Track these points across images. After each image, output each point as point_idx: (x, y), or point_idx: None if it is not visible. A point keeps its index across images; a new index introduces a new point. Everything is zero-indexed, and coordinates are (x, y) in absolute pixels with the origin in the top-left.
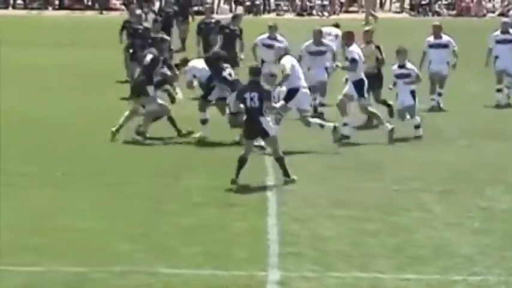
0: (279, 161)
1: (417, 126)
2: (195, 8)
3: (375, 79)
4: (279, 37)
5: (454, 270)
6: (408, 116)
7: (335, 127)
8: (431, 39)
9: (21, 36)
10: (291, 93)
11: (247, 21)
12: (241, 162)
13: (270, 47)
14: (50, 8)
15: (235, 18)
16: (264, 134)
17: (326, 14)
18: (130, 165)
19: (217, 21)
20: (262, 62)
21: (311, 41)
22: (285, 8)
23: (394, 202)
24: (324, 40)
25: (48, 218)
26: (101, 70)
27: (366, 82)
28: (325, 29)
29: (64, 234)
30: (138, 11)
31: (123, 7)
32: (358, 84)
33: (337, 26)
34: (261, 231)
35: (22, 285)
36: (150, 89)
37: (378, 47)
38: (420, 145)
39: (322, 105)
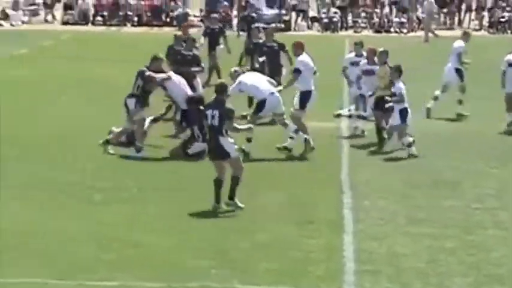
0: (233, 180)
1: (409, 145)
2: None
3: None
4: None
5: None
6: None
7: (306, 139)
8: (510, 57)
9: (99, 52)
10: (262, 103)
11: (325, 39)
12: (217, 184)
13: (357, 64)
14: (128, 25)
15: (267, 34)
16: (224, 155)
17: (404, 30)
18: (203, 181)
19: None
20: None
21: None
22: (362, 24)
23: (471, 220)
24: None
25: (123, 233)
26: None
27: (313, 96)
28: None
29: (139, 249)
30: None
31: (201, 23)
32: (303, 96)
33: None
34: (337, 249)
35: None
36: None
37: (391, 68)
38: (498, 162)
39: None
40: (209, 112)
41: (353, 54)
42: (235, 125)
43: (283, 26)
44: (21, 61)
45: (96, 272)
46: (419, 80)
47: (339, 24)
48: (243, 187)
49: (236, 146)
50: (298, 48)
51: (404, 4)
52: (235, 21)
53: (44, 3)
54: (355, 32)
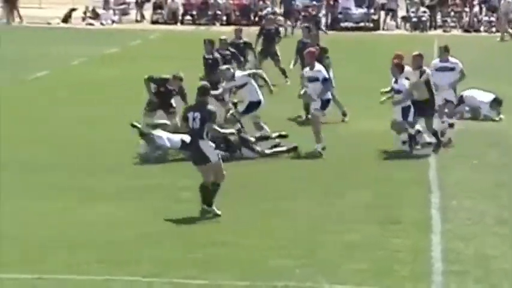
0: (213, 186)
1: (404, 142)
2: None
3: (426, 106)
4: (451, 59)
5: None
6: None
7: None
8: None
9: (188, 51)
10: (256, 105)
11: (413, 38)
12: (204, 190)
13: (443, 70)
14: (217, 24)
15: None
16: (204, 160)
17: (493, 30)
18: (287, 181)
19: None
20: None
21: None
22: (452, 24)
23: None
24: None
25: (210, 233)
26: None
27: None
28: None
29: (225, 249)
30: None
31: (286, 23)
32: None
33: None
34: (424, 249)
35: None
36: None
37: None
38: None
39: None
40: (190, 115)
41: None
42: (216, 127)
43: (371, 25)
44: (112, 60)
45: (186, 271)
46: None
47: (428, 24)
48: (330, 185)
49: (217, 151)
50: (311, 57)
51: (494, 3)
52: (323, 20)
53: (136, 2)
54: (444, 31)
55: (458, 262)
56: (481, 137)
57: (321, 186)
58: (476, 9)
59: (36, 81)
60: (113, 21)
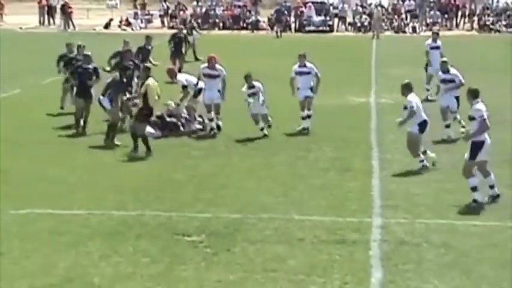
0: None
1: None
2: None
3: None
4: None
5: None
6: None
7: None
8: None
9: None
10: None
11: (357, 38)
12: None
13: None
14: (216, 29)
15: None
16: None
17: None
18: (274, 143)
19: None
20: None
21: None
22: (385, 27)
23: None
24: None
25: (215, 178)
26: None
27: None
28: None
29: (228, 190)
30: None
31: (268, 28)
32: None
33: None
34: (368, 190)
35: (198, 227)
36: None
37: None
38: None
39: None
40: None
41: None
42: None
43: (328, 28)
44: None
45: (197, 206)
46: None
47: (368, 27)
48: (303, 145)
49: None
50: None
51: (417, 12)
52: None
53: (160, 16)
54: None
55: (392, 199)
56: None
57: (297, 146)
58: (403, 16)
59: None
60: (141, 28)
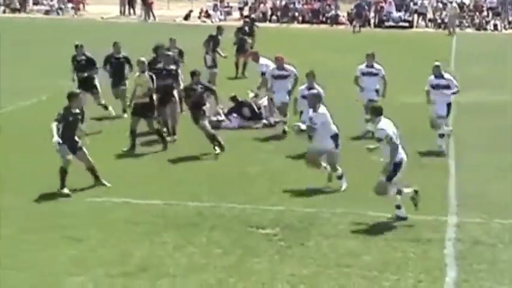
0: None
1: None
2: None
3: None
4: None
5: None
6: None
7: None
8: None
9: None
10: None
11: (437, 35)
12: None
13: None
14: (295, 22)
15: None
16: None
17: None
18: (345, 140)
19: None
20: None
21: None
22: (466, 24)
23: None
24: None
25: (288, 173)
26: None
27: None
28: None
29: (300, 185)
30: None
31: (347, 22)
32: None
33: None
34: (444, 187)
35: (272, 220)
36: None
37: None
38: None
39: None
40: None
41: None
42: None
43: (407, 24)
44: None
45: (272, 200)
46: None
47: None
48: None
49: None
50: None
51: None
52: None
53: (239, 8)
54: (460, 29)
55: (468, 197)
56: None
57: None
58: (484, 13)
59: None
60: (220, 19)
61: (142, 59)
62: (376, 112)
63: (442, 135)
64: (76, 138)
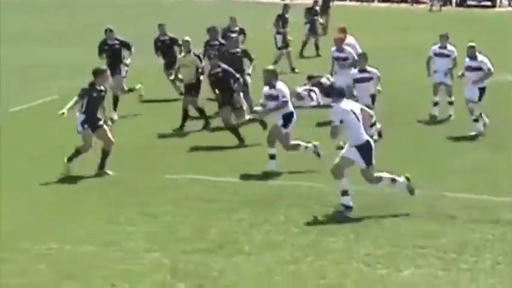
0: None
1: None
2: None
3: None
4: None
5: None
6: None
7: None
8: None
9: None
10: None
11: None
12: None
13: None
14: (375, 1)
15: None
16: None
17: None
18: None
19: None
20: None
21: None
22: None
23: None
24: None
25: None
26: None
27: None
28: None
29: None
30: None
31: (428, 1)
32: None
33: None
34: None
35: (302, 194)
36: None
37: None
38: None
39: None
40: None
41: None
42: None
43: (490, 3)
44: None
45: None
46: None
47: None
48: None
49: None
50: None
51: None
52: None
53: None
54: None
55: None
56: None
57: (449, 124)
58: None
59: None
60: None
61: (187, 38)
62: (339, 94)
63: (476, 120)
64: (99, 115)
